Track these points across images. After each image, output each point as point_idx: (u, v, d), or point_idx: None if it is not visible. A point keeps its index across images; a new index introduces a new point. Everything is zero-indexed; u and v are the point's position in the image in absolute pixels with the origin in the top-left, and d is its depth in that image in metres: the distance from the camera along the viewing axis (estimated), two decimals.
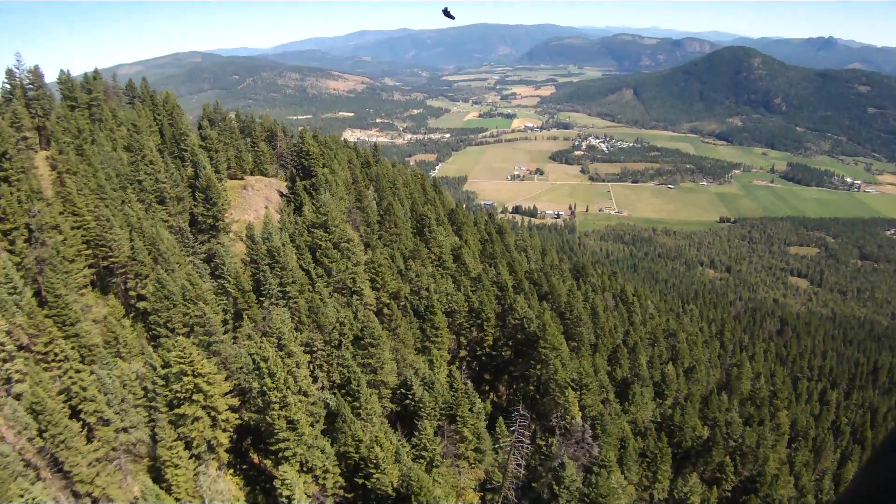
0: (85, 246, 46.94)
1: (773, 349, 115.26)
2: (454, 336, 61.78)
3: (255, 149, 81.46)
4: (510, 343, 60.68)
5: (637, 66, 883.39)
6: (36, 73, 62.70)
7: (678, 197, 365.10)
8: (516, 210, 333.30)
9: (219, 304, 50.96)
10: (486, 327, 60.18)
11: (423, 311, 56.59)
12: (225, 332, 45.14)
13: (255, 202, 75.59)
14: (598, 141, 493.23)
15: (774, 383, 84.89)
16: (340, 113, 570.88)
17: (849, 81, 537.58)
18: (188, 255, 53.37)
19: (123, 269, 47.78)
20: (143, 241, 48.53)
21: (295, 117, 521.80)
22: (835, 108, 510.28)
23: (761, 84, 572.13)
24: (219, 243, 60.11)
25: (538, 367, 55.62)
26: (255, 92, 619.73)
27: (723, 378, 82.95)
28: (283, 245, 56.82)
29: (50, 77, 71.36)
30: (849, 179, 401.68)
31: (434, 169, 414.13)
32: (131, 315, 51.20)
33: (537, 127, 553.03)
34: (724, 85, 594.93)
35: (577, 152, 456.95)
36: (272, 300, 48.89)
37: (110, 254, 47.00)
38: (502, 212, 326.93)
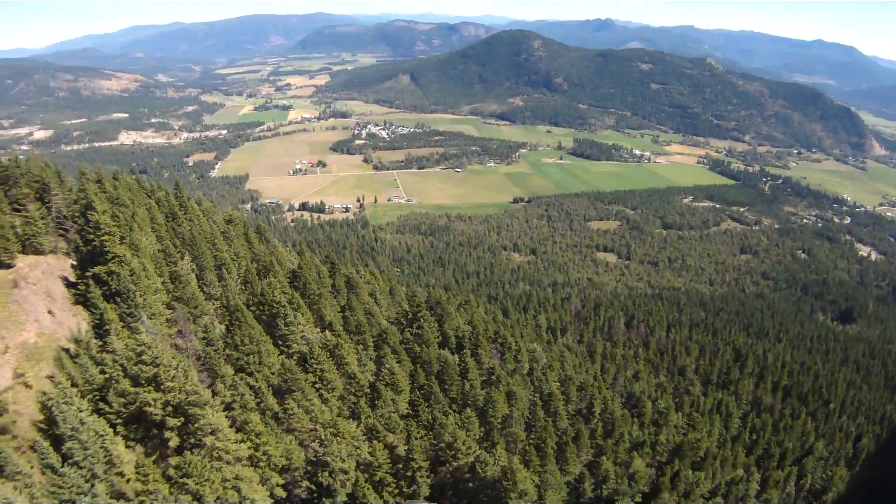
0: None
1: (641, 356, 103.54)
2: None
3: (23, 213, 46.21)
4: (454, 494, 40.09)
5: (412, 52, 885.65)
6: None
7: (467, 180, 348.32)
8: (303, 207, 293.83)
9: None
10: (419, 478, 37.21)
11: None
12: None
13: (33, 306, 40.01)
14: (378, 128, 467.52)
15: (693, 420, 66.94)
16: (115, 115, 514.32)
17: (631, 60, 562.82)
18: None
19: None
20: None
21: (69, 122, 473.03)
22: (618, 86, 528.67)
23: (542, 65, 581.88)
24: None
25: None
26: (28, 97, 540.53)
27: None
28: None
29: None
30: (637, 152, 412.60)
31: (213, 169, 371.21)
32: None
33: (315, 118, 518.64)
34: (503, 67, 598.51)
35: (357, 141, 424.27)
36: None
37: None
38: (289, 210, 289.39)
